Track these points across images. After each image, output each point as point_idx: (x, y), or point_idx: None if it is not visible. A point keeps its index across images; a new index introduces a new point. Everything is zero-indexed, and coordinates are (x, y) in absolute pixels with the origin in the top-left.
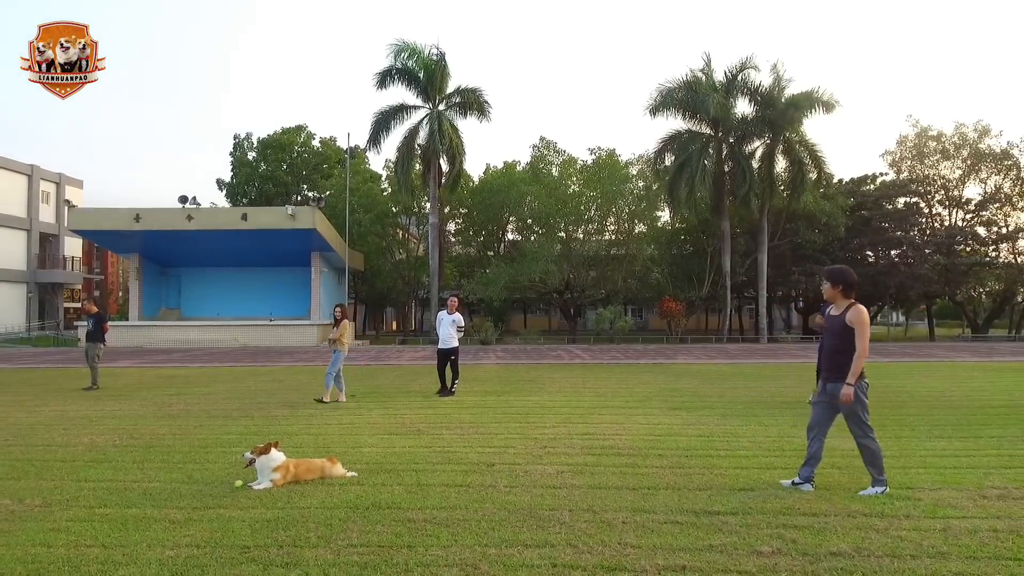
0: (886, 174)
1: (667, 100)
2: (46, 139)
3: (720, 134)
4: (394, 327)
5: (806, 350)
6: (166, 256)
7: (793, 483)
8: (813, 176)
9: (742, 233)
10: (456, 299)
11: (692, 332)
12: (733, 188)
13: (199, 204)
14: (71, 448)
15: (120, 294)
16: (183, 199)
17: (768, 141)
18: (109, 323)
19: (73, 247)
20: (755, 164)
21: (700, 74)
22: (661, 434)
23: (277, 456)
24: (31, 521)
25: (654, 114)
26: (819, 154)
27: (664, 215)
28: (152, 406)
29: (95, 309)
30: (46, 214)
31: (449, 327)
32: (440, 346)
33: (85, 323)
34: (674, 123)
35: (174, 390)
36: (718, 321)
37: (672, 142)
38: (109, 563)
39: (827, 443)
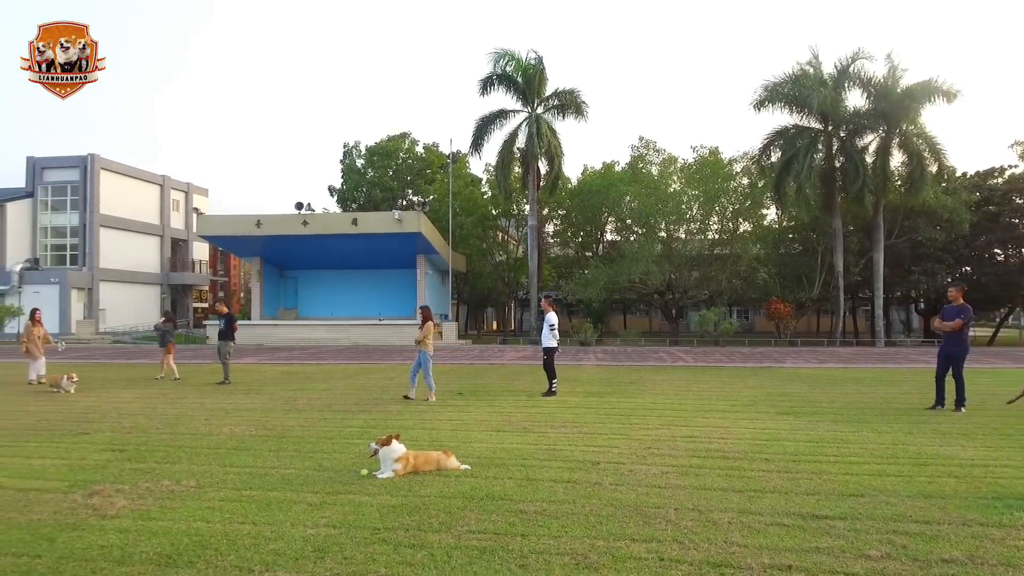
0: (1016, 166)
1: (773, 95)
2: (172, 149)
3: (830, 128)
4: (495, 327)
5: (926, 355)
6: (284, 259)
7: None
8: (933, 170)
9: (855, 231)
10: (546, 299)
11: (802, 335)
12: (845, 184)
13: (313, 210)
14: (214, 437)
15: (242, 295)
16: (299, 205)
17: (883, 134)
18: (237, 323)
19: (200, 251)
20: (869, 159)
21: (808, 67)
22: (767, 439)
23: (398, 448)
24: (189, 500)
25: (759, 109)
26: (938, 147)
27: (770, 213)
28: (279, 400)
29: (226, 310)
30: (176, 221)
31: (546, 327)
32: (543, 345)
33: (216, 322)
34: (780, 118)
35: (296, 385)
36: (830, 323)
37: (778, 138)
38: (260, 538)
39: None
